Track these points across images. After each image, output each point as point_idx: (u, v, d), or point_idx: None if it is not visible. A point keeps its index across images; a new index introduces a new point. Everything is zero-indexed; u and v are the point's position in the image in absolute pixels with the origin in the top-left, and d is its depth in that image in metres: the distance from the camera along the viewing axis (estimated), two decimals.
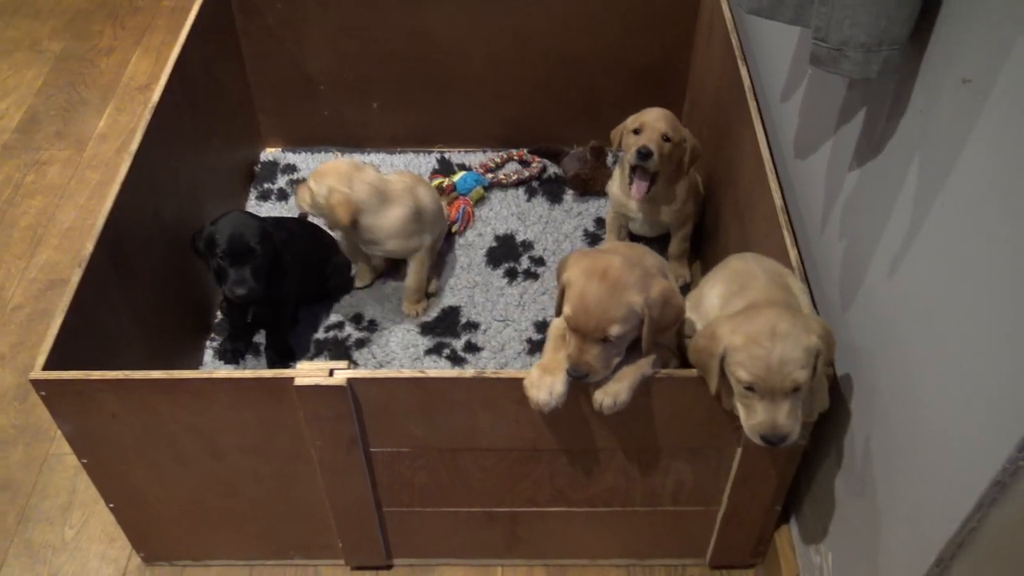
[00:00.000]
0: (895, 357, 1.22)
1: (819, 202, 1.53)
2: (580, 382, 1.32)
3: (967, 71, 1.05)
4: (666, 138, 1.88)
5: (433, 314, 2.07)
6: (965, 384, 1.03)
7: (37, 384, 1.33)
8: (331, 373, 1.33)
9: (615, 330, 1.28)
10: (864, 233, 1.34)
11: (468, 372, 1.33)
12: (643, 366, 1.33)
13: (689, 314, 1.45)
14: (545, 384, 1.31)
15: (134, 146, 1.70)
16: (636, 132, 1.90)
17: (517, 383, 1.33)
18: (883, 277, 1.26)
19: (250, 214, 1.84)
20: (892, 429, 1.22)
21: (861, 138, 1.36)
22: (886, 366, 1.25)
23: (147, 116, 1.77)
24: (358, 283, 2.14)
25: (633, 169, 1.92)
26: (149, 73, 2.92)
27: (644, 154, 1.87)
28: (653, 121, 1.89)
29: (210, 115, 2.11)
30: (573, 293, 1.31)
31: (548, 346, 1.41)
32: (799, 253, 1.48)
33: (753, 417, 1.25)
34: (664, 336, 1.38)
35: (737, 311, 1.31)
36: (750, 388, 1.24)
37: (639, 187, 1.93)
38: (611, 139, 2.00)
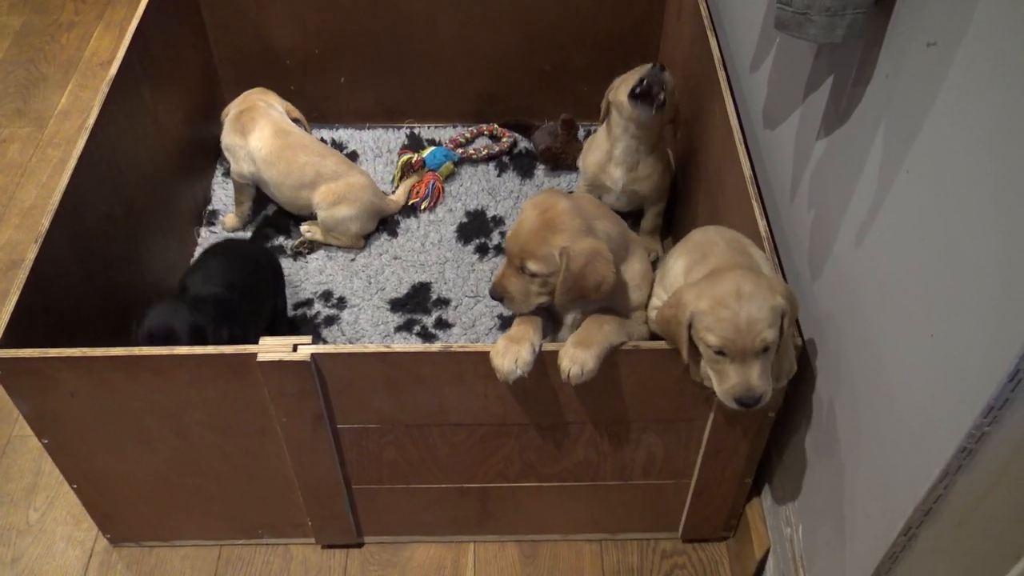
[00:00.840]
0: (862, 326, 1.21)
1: (788, 172, 1.52)
2: (504, 306, 1.35)
3: (932, 34, 1.03)
4: (663, 89, 1.82)
5: (404, 290, 2.05)
6: (931, 352, 1.02)
7: None
8: (295, 348, 1.31)
9: (532, 265, 1.32)
10: (832, 202, 1.33)
11: (434, 346, 1.32)
12: (609, 335, 1.32)
13: (656, 288, 1.44)
14: (511, 352, 1.29)
15: (91, 121, 1.66)
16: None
17: (484, 357, 1.32)
18: (850, 246, 1.25)
19: (181, 306, 1.60)
20: (859, 398, 1.22)
21: (828, 106, 1.35)
22: (853, 336, 1.24)
23: (104, 90, 1.73)
24: (227, 228, 2.19)
25: (636, 97, 1.84)
26: (111, 48, 2.86)
27: (660, 67, 1.79)
28: (651, 72, 1.82)
29: (172, 90, 2.07)
30: (518, 219, 1.35)
31: (516, 320, 1.40)
32: (768, 224, 1.47)
33: (726, 381, 1.25)
34: (586, 299, 1.35)
35: (700, 278, 1.30)
36: (720, 352, 1.23)
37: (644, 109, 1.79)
38: (604, 107, 1.94)
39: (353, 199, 2.08)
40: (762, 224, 1.46)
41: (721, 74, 1.72)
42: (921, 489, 1.03)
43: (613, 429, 1.46)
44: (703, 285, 1.26)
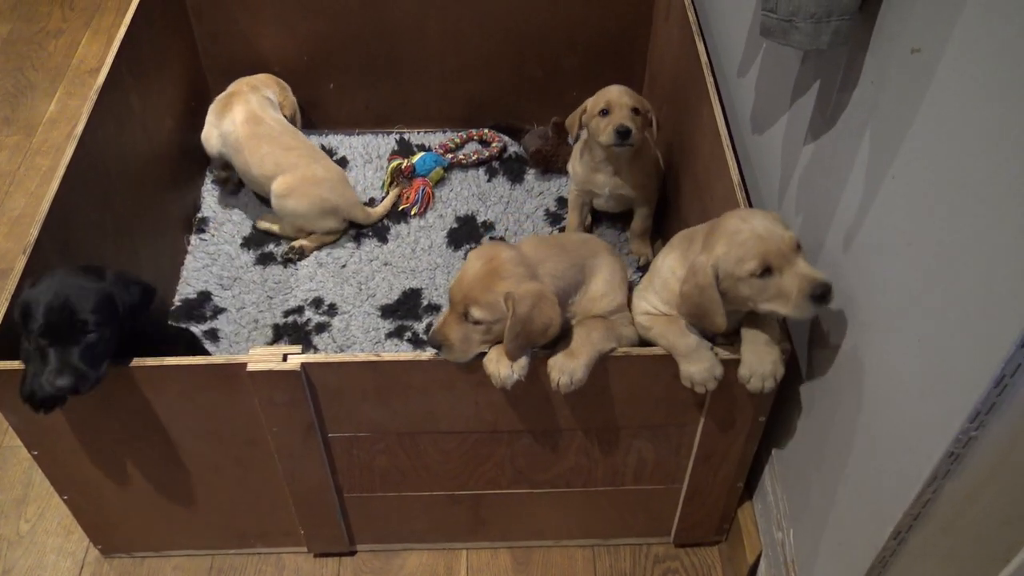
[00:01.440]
0: (852, 330, 1.22)
1: (776, 177, 1.53)
2: (445, 356, 1.31)
3: (916, 40, 1.04)
4: (635, 111, 1.85)
5: (394, 297, 2.04)
6: (919, 356, 1.03)
7: None
8: (284, 358, 1.31)
9: (476, 311, 1.29)
10: (819, 207, 1.33)
11: (424, 355, 1.32)
12: (598, 342, 1.32)
13: (643, 293, 1.43)
14: (504, 361, 1.29)
15: (79, 129, 1.65)
16: (604, 113, 1.86)
17: (474, 365, 1.32)
18: (838, 251, 1.26)
19: (83, 270, 1.34)
20: (848, 403, 1.22)
21: (815, 111, 1.35)
22: (843, 340, 1.25)
23: (93, 98, 1.72)
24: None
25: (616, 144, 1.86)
26: (100, 56, 2.85)
27: (623, 132, 1.83)
28: (618, 97, 1.85)
29: (160, 98, 2.07)
30: (462, 268, 1.35)
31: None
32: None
33: (789, 291, 1.19)
34: (534, 344, 1.32)
35: (698, 247, 1.31)
36: (765, 271, 1.20)
37: None
38: (568, 126, 1.97)
39: (303, 193, 2.07)
40: None
41: (709, 79, 1.73)
42: (910, 494, 1.04)
43: (604, 435, 1.46)
44: (705, 243, 1.27)
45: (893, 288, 1.09)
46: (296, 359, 1.31)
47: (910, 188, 1.06)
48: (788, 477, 1.47)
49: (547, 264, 1.38)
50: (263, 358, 1.31)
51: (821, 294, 1.18)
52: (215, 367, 1.31)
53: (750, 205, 1.51)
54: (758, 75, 1.63)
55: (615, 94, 1.87)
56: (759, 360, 1.29)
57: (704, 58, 1.78)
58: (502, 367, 1.29)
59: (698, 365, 1.29)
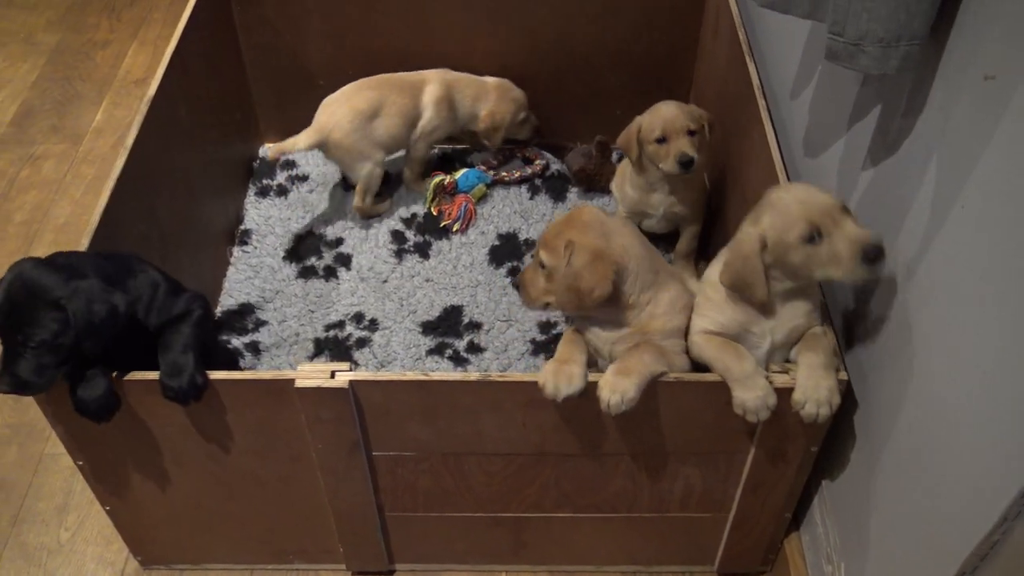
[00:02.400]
0: (914, 362, 1.19)
1: None
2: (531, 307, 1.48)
3: (990, 67, 1.01)
4: (691, 132, 1.82)
5: (435, 313, 2.03)
6: (988, 393, 1.00)
7: None
8: (332, 375, 1.30)
9: (544, 255, 1.41)
10: (880, 233, 1.30)
11: (473, 375, 1.30)
12: (650, 364, 1.30)
13: (699, 309, 1.41)
14: (563, 373, 1.29)
15: (130, 140, 1.66)
16: (661, 140, 1.82)
17: (523, 386, 1.30)
18: (901, 278, 1.23)
19: (45, 267, 1.25)
20: (910, 437, 1.19)
21: (876, 136, 1.33)
22: (904, 371, 1.22)
23: (143, 110, 1.73)
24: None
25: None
26: (146, 67, 2.88)
27: (686, 163, 1.80)
28: (673, 121, 1.81)
29: (207, 109, 2.08)
30: None
31: (561, 345, 1.39)
32: None
33: (843, 252, 1.19)
34: (582, 305, 1.38)
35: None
36: (816, 234, 1.22)
37: None
38: (624, 148, 1.93)
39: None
40: None
41: (760, 100, 1.70)
42: (977, 534, 1.00)
43: (651, 461, 1.44)
44: (751, 218, 1.31)
45: (961, 320, 1.06)
46: (344, 376, 1.30)
47: (981, 219, 1.03)
48: (840, 510, 1.43)
49: (626, 240, 1.41)
50: (311, 374, 1.30)
51: (874, 255, 1.18)
52: (263, 382, 1.31)
53: None
54: (812, 97, 1.61)
55: (670, 117, 1.82)
56: (814, 385, 1.26)
57: (755, 79, 1.76)
58: (560, 379, 1.28)
59: (752, 393, 1.27)
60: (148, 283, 1.36)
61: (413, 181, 2.31)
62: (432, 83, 2.22)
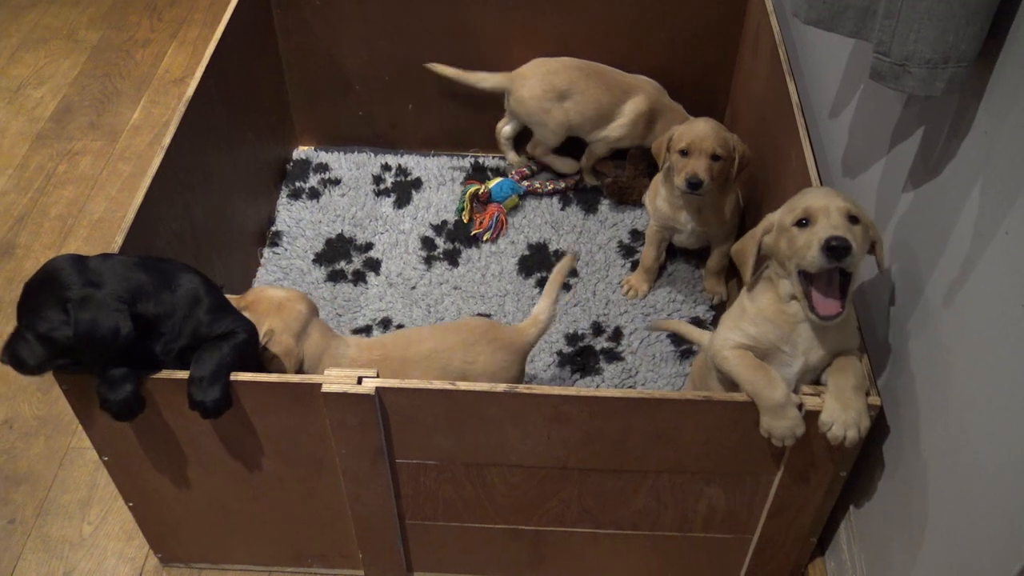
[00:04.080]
0: (949, 390, 1.16)
1: None
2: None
3: None
4: (715, 157, 1.81)
5: None
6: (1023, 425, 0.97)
7: (60, 378, 1.31)
8: (359, 381, 1.30)
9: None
10: (918, 257, 1.28)
11: (499, 386, 1.29)
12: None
13: (737, 322, 1.37)
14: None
15: (167, 140, 1.68)
16: (684, 153, 1.83)
17: (549, 399, 1.29)
18: (938, 305, 1.21)
19: (74, 266, 1.26)
20: (943, 466, 1.17)
21: (917, 158, 1.31)
22: (938, 398, 1.19)
23: (181, 109, 1.74)
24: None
25: (688, 191, 1.85)
26: (185, 66, 2.91)
27: (694, 184, 1.81)
28: (700, 140, 1.81)
29: (244, 111, 2.09)
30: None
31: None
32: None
33: (813, 240, 1.21)
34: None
35: None
36: (804, 221, 1.25)
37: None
38: (655, 153, 1.94)
39: None
40: None
41: (799, 119, 1.69)
42: (1010, 570, 0.98)
43: (676, 479, 1.42)
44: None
45: (996, 349, 1.04)
46: (371, 383, 1.29)
47: None
48: (867, 537, 1.41)
49: None
50: (338, 380, 1.30)
51: (834, 247, 1.19)
52: (290, 386, 1.31)
53: None
54: (853, 117, 1.59)
55: (699, 134, 1.82)
56: (843, 407, 1.24)
57: (795, 98, 1.74)
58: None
59: (781, 422, 1.25)
60: (188, 299, 1.33)
61: (587, 171, 2.35)
62: (641, 95, 2.21)
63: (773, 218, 1.33)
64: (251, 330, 1.39)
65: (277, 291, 1.57)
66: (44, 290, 1.25)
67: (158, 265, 1.34)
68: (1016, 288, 1.02)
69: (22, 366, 1.27)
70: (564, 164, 2.32)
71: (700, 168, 1.80)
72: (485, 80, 2.23)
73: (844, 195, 1.26)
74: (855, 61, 1.59)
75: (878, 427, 1.33)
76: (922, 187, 1.28)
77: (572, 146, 2.31)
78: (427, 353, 1.58)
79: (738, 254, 1.41)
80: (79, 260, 1.27)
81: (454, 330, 1.63)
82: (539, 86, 2.19)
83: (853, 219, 1.23)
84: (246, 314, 1.44)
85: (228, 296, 1.44)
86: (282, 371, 1.47)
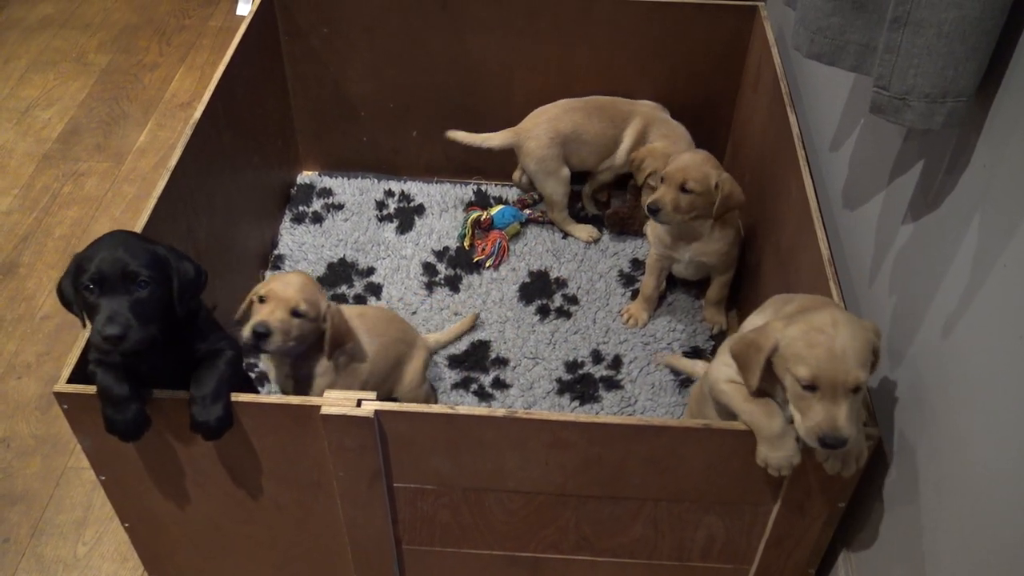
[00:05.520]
0: (948, 422, 1.17)
1: (868, 255, 1.49)
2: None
3: None
4: (684, 189, 1.85)
5: (462, 347, 2.03)
6: None
7: (60, 397, 1.31)
8: (359, 403, 1.30)
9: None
10: (917, 289, 1.29)
11: (499, 411, 1.29)
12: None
13: (726, 357, 1.39)
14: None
15: (173, 161, 1.69)
16: (662, 179, 1.89)
17: (549, 425, 1.29)
18: (936, 337, 1.21)
19: (139, 235, 1.34)
20: (943, 499, 1.17)
21: (917, 191, 1.32)
22: (937, 431, 1.19)
23: (188, 132, 1.76)
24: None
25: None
26: (192, 91, 2.94)
27: (653, 210, 1.87)
28: (675, 170, 1.87)
29: (250, 135, 2.11)
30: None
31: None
32: (844, 306, 1.44)
33: (811, 419, 1.18)
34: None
35: (790, 313, 1.30)
36: (809, 387, 1.18)
37: None
38: (632, 161, 2.00)
39: None
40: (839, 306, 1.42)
41: (800, 151, 1.70)
42: None
43: (674, 508, 1.41)
44: (794, 316, 1.24)
45: (996, 382, 1.05)
46: (370, 405, 1.30)
47: (1023, 278, 1.01)
48: (866, 570, 1.40)
49: None
50: (337, 402, 1.30)
51: (830, 443, 1.17)
52: (288, 407, 1.31)
53: (838, 281, 1.47)
54: (853, 150, 1.60)
55: (677, 164, 1.89)
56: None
57: (796, 130, 1.75)
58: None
59: (778, 452, 1.25)
60: (194, 268, 1.36)
61: (587, 198, 2.38)
62: (638, 117, 2.25)
63: (778, 336, 1.22)
64: (238, 348, 1.41)
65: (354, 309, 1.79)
66: (139, 250, 1.26)
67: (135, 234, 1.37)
68: (1015, 321, 1.02)
69: (132, 331, 1.23)
70: (583, 231, 2.30)
71: (666, 196, 1.86)
72: (491, 139, 2.23)
73: (856, 345, 1.17)
74: (855, 95, 1.61)
75: (877, 459, 1.33)
76: (921, 219, 1.29)
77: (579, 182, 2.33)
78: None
79: (740, 359, 1.29)
80: (119, 234, 1.31)
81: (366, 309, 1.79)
82: (545, 135, 2.20)
83: (858, 389, 1.18)
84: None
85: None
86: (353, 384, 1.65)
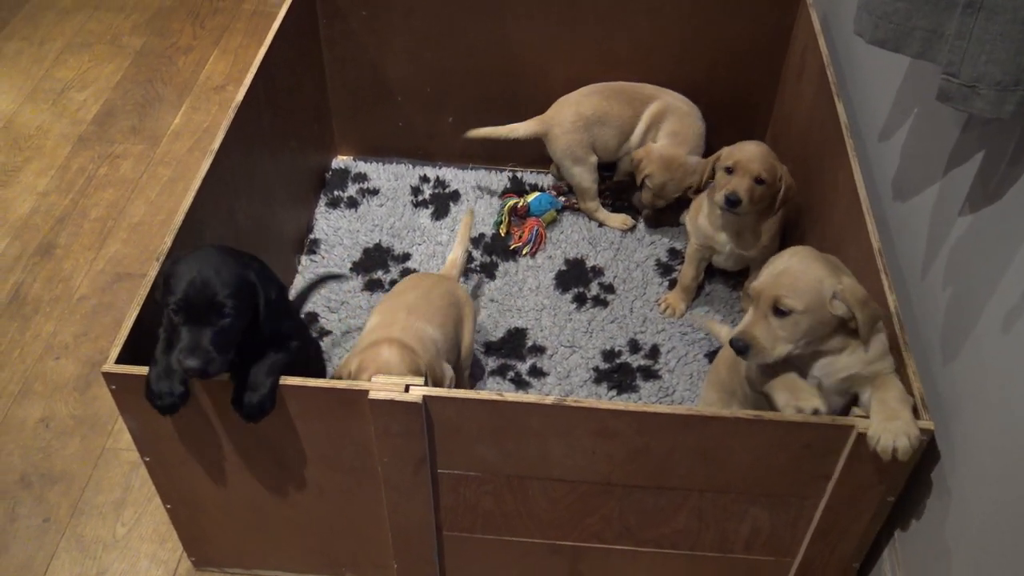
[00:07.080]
0: (1005, 418, 1.15)
1: (920, 247, 1.47)
2: None
3: None
4: (759, 180, 1.80)
5: (499, 334, 2.02)
6: None
7: (109, 377, 1.31)
8: (407, 389, 1.29)
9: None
10: (974, 283, 1.27)
11: (548, 398, 1.28)
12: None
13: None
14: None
15: (216, 144, 1.69)
16: (729, 171, 1.83)
17: (596, 413, 1.28)
18: (995, 332, 1.19)
19: (233, 253, 1.33)
20: (994, 496, 1.15)
21: (976, 182, 1.29)
22: (993, 426, 1.17)
23: (230, 115, 1.75)
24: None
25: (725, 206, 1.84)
26: (226, 74, 2.94)
27: (732, 201, 1.80)
28: (747, 161, 1.80)
29: (288, 118, 2.10)
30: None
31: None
32: (895, 297, 1.41)
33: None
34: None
35: None
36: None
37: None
38: (701, 167, 1.94)
39: None
40: (891, 299, 1.40)
41: (849, 141, 1.68)
42: None
43: (719, 499, 1.40)
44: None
45: None
46: (418, 391, 1.29)
47: None
48: (912, 565, 1.38)
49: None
50: (385, 387, 1.29)
51: (733, 343, 1.33)
52: (336, 391, 1.30)
53: (887, 273, 1.45)
54: (905, 139, 1.58)
55: (747, 155, 1.81)
56: (888, 417, 1.23)
57: (843, 118, 1.73)
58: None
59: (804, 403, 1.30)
60: (277, 287, 1.36)
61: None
62: (657, 101, 2.24)
63: None
64: (303, 337, 1.41)
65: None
66: (222, 282, 1.26)
67: (231, 251, 1.37)
68: None
69: (212, 363, 1.25)
70: (616, 220, 2.29)
71: (741, 187, 1.79)
72: (517, 130, 2.24)
73: (801, 275, 1.31)
74: (909, 83, 1.59)
75: (928, 452, 1.31)
76: (981, 211, 1.27)
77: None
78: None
79: None
80: (213, 254, 1.30)
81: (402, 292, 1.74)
82: (569, 121, 2.20)
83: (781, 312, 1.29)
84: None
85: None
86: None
